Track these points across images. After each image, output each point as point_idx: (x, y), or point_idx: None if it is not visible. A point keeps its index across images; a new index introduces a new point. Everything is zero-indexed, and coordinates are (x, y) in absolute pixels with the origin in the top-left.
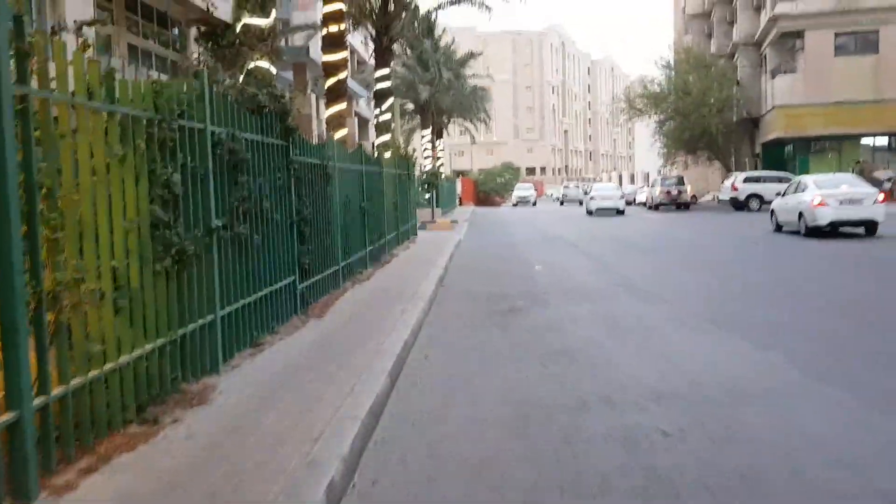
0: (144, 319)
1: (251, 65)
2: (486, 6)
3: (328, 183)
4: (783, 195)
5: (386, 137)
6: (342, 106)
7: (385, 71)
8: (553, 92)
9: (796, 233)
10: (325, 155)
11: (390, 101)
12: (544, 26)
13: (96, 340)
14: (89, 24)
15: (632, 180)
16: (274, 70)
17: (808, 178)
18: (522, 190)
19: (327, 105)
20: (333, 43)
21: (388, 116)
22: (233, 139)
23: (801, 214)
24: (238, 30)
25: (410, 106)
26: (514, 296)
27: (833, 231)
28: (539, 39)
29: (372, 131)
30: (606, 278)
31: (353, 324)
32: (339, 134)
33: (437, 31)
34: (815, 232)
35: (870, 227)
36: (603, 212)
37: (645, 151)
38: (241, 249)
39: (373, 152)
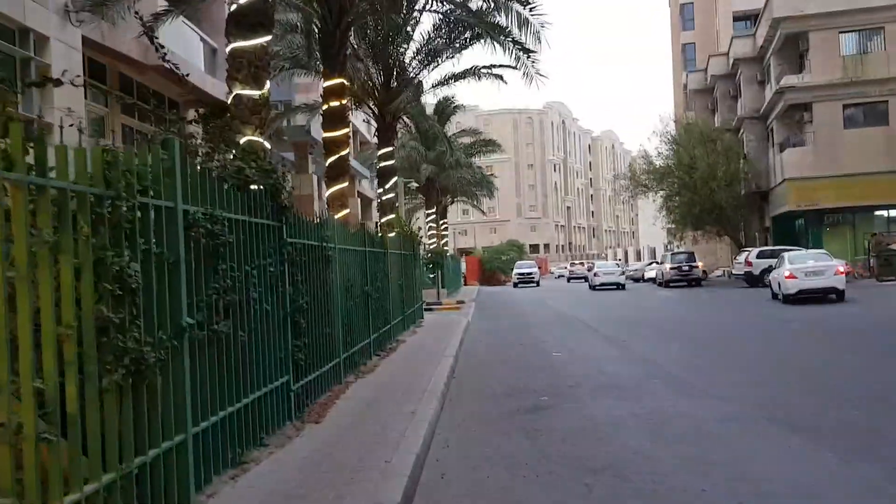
0: (86, 451)
1: (244, 140)
2: (496, 75)
3: (328, 266)
4: (776, 268)
5: (390, 217)
6: (344, 185)
7: (388, 149)
8: (555, 170)
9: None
10: (324, 236)
11: (394, 179)
12: (544, 103)
13: (6, 492)
14: None
15: (638, 256)
16: (268, 145)
17: (785, 254)
18: (524, 267)
19: (328, 184)
20: (335, 118)
21: (391, 195)
22: (212, 220)
23: (778, 284)
24: (229, 101)
25: (414, 185)
26: (536, 390)
27: (803, 299)
28: (540, 118)
29: (375, 212)
30: (636, 368)
31: (355, 431)
32: (341, 214)
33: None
34: (789, 299)
35: (837, 293)
36: (605, 286)
37: (649, 227)
38: (221, 350)
39: (376, 232)
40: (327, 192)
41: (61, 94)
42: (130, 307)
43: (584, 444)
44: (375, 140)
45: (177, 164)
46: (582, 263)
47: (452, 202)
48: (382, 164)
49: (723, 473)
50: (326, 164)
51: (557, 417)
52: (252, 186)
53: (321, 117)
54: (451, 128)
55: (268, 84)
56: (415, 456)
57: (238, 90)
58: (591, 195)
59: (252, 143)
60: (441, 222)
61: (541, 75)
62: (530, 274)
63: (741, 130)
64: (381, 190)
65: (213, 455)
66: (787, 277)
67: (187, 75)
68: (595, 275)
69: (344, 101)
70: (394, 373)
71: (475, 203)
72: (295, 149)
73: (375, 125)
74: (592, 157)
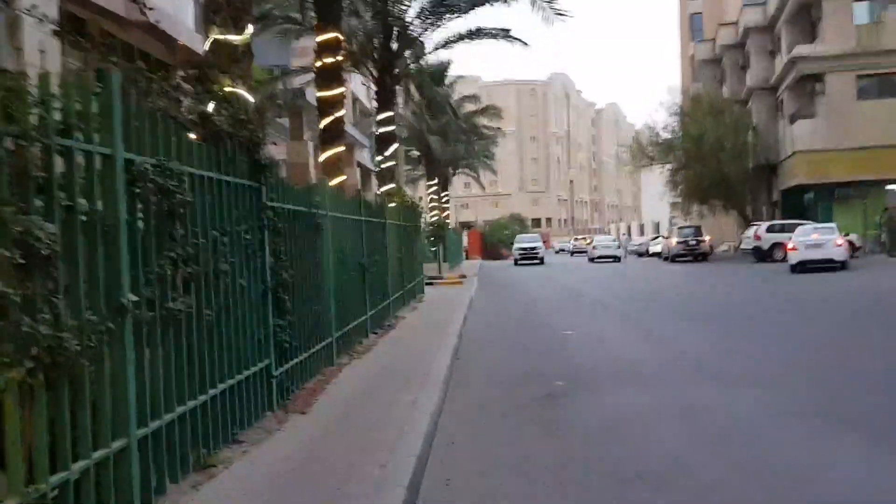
0: None
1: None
2: (504, 32)
3: (318, 236)
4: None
5: (390, 186)
6: (339, 149)
7: (388, 114)
8: (558, 143)
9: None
10: (313, 201)
11: (394, 146)
12: (548, 75)
13: None
14: None
15: (641, 231)
16: (251, 98)
17: (799, 228)
18: (526, 241)
19: (322, 148)
20: (329, 76)
21: (391, 163)
22: (165, 174)
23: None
24: (206, 47)
25: (415, 153)
26: (548, 375)
27: (805, 269)
28: (543, 89)
29: (375, 183)
30: (656, 349)
31: (346, 424)
32: (337, 180)
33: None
34: (794, 269)
35: (839, 264)
36: (602, 258)
37: (652, 201)
38: (180, 333)
39: (375, 201)
40: (321, 157)
41: (33, 49)
42: (43, 281)
43: (610, 445)
44: (375, 105)
45: (115, 101)
46: (585, 238)
47: (455, 174)
48: (382, 129)
49: (783, 483)
50: (321, 127)
51: (576, 409)
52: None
53: (315, 76)
54: (453, 95)
55: (250, 29)
56: (415, 459)
57: (215, 35)
58: (594, 169)
59: (234, 95)
60: (443, 194)
61: (560, 13)
62: (534, 249)
63: (750, 102)
64: (380, 157)
65: (170, 460)
66: (789, 250)
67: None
68: (594, 248)
69: (339, 58)
70: (392, 354)
71: (477, 175)
72: (290, 114)
73: (375, 88)
74: (596, 130)
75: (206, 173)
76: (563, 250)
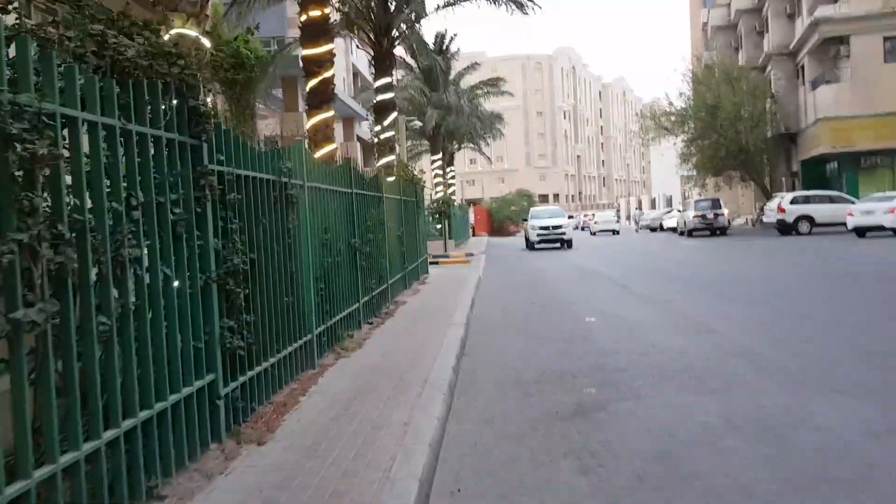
0: None
1: (173, 32)
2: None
3: (292, 211)
4: None
5: (389, 159)
6: (328, 114)
7: (386, 80)
8: (565, 117)
9: None
10: (283, 168)
11: (393, 115)
12: (554, 49)
13: None
14: None
15: (653, 205)
16: (208, 43)
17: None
18: (544, 216)
19: (309, 113)
20: (315, 32)
21: (390, 134)
22: (14, 112)
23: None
24: None
25: (418, 124)
26: (575, 376)
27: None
28: (549, 63)
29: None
30: (698, 339)
31: (313, 465)
32: (326, 150)
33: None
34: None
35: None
36: (603, 231)
37: (663, 175)
38: (45, 356)
39: (371, 174)
40: (308, 123)
41: None
42: None
43: (676, 491)
44: (372, 72)
45: None
46: (593, 215)
47: (459, 148)
48: (379, 97)
49: None
50: (307, 89)
51: (616, 428)
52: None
53: (300, 31)
54: (456, 66)
55: None
56: None
57: None
58: (602, 143)
59: (183, 37)
60: (448, 170)
61: None
62: (558, 229)
63: (768, 68)
64: (378, 128)
65: None
66: (848, 215)
67: None
68: (595, 223)
69: (326, 10)
70: (388, 349)
71: (482, 150)
72: (284, 84)
73: (371, 54)
74: (603, 104)
75: (104, 119)
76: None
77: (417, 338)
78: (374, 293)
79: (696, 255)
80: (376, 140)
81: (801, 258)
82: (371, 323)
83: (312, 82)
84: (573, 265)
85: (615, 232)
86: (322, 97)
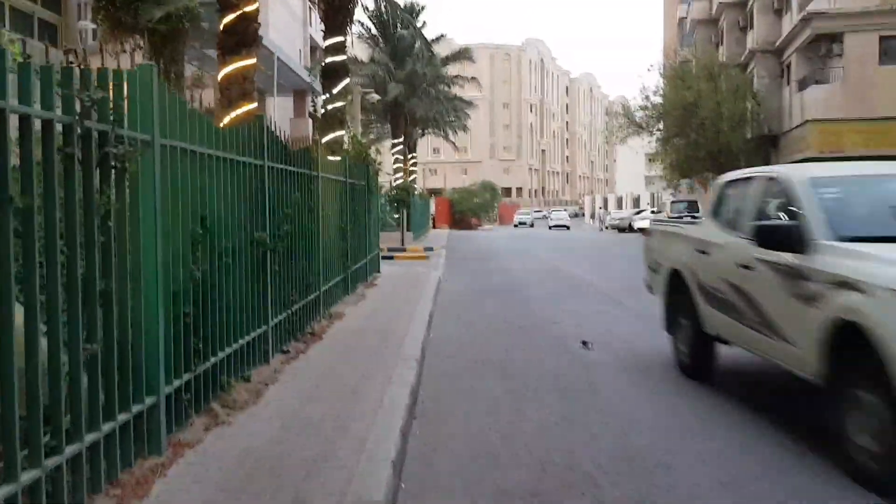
0: None
1: None
2: None
3: (108, 184)
4: None
5: (339, 133)
6: (248, 61)
7: (338, 39)
8: (531, 110)
9: None
10: (84, 98)
11: (345, 82)
12: (523, 40)
13: None
14: None
15: (619, 204)
16: None
17: None
18: (558, 215)
19: (222, 60)
20: None
21: (341, 104)
22: None
23: None
24: None
25: (376, 97)
26: (588, 470)
27: None
28: (518, 54)
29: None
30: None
31: None
32: (242, 109)
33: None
34: None
35: None
36: (557, 227)
37: (628, 174)
38: None
39: (298, 145)
40: (220, 73)
41: None
42: None
43: None
44: (321, 30)
45: None
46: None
47: (423, 135)
48: (329, 58)
49: None
50: (221, 27)
51: None
52: None
53: None
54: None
55: None
56: None
57: None
58: (567, 139)
59: None
60: (409, 156)
61: None
62: (562, 222)
63: (750, 66)
64: (325, 96)
65: None
66: None
67: None
68: (550, 219)
69: None
70: (295, 408)
71: (447, 136)
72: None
73: (321, 7)
74: (570, 99)
75: None
76: (522, 223)
77: (346, 385)
78: (294, 308)
79: None
80: (323, 110)
81: None
82: (287, 352)
83: (228, 17)
84: (541, 263)
85: (567, 227)
86: (240, 38)
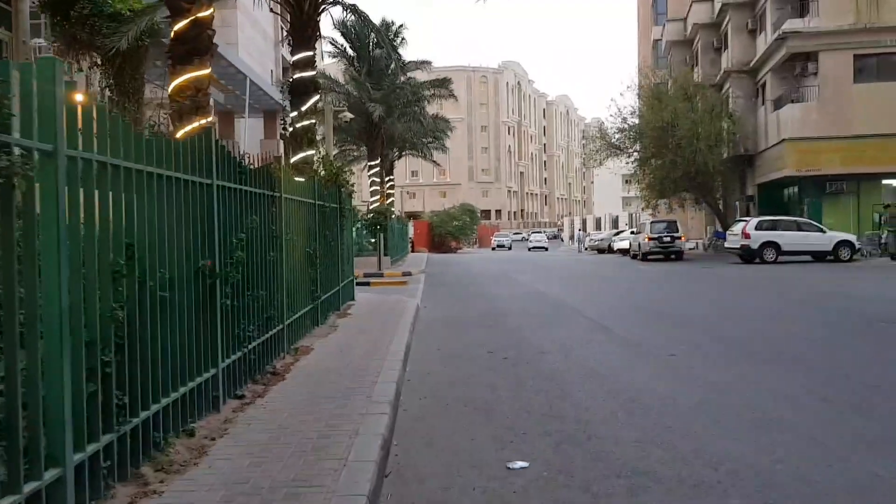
0: None
1: None
2: None
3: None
4: None
5: (308, 153)
6: (202, 72)
7: (306, 54)
8: (509, 133)
9: None
10: None
11: (315, 98)
12: (499, 62)
13: None
14: None
15: (597, 225)
16: None
17: None
18: (537, 238)
19: (174, 70)
20: None
21: (309, 122)
22: None
23: None
24: None
25: (349, 115)
26: None
27: None
28: (495, 77)
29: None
30: (783, 447)
31: None
32: (194, 124)
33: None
34: None
35: None
36: (535, 248)
37: (606, 195)
38: None
39: (259, 163)
40: (171, 84)
41: None
42: None
43: None
44: (288, 46)
45: None
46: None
47: (400, 156)
48: (297, 74)
49: None
50: (172, 35)
51: None
52: None
53: None
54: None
55: None
56: None
57: None
58: (545, 161)
59: None
60: (387, 179)
61: None
62: (542, 243)
63: (725, 86)
64: (294, 114)
65: None
66: None
67: None
68: (529, 241)
69: None
70: (239, 478)
71: (426, 157)
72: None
73: (287, 19)
74: (547, 122)
75: None
76: (500, 246)
77: (306, 439)
78: (251, 345)
79: (672, 285)
80: (291, 128)
81: (795, 292)
82: (242, 397)
83: (179, 23)
84: (527, 290)
85: (545, 248)
86: (193, 46)
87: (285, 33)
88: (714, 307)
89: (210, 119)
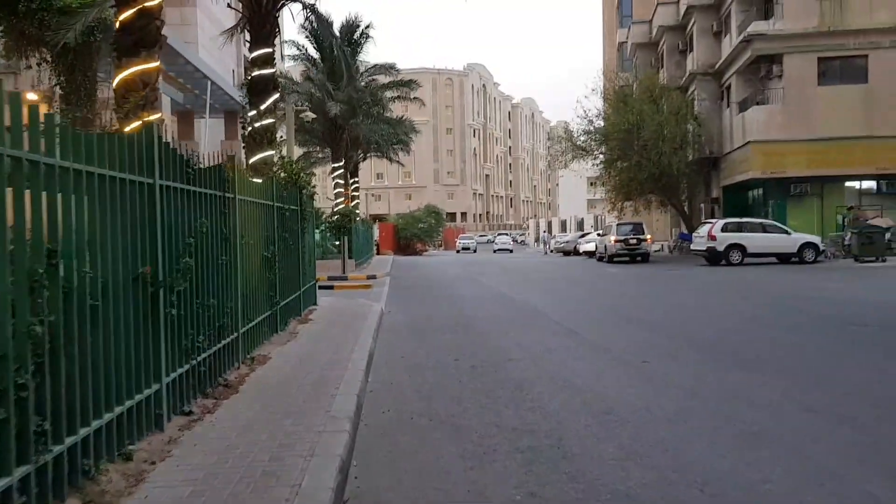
0: None
1: None
2: None
3: None
4: None
5: (268, 154)
6: (150, 64)
7: (265, 51)
8: (474, 135)
9: None
10: None
11: (274, 97)
12: (465, 64)
13: None
14: None
15: (563, 227)
16: None
17: None
18: (502, 240)
19: (119, 64)
20: None
21: (269, 121)
22: None
23: None
24: None
25: (311, 115)
26: None
27: None
28: (460, 79)
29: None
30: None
31: None
32: (140, 120)
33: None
34: None
35: None
36: (501, 250)
37: (571, 197)
38: None
39: (229, 170)
40: (116, 78)
41: None
42: None
43: None
44: (246, 43)
45: None
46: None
47: (365, 158)
48: (256, 71)
49: None
50: (116, 26)
51: None
52: None
53: None
54: (364, 61)
55: None
56: None
57: None
58: (510, 164)
59: None
60: (351, 181)
61: None
62: (507, 245)
63: (691, 88)
64: (253, 112)
65: None
66: None
67: None
68: (495, 243)
69: None
70: None
71: (391, 159)
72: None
73: (246, 15)
74: (512, 124)
75: None
76: (466, 249)
77: (256, 461)
78: (201, 357)
79: (639, 287)
80: (250, 128)
81: (764, 295)
82: (189, 413)
83: (125, 13)
84: (494, 293)
85: (511, 251)
86: (139, 37)
87: (240, 27)
88: (683, 310)
89: (159, 115)
